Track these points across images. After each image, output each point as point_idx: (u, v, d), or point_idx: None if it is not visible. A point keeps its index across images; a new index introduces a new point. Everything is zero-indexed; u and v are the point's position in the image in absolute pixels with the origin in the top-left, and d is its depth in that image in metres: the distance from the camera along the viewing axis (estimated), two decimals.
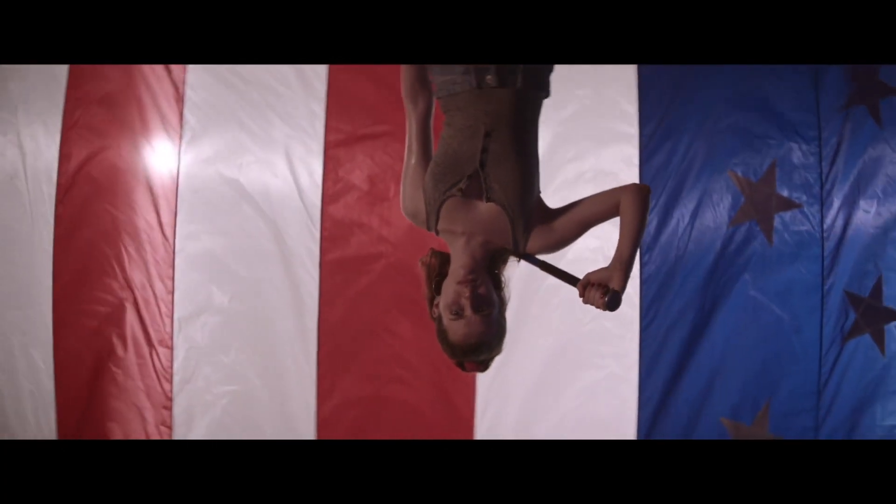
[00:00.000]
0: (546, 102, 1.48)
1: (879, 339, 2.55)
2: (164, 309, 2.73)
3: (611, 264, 1.28)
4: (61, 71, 3.00)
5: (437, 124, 1.49)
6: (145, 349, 2.72)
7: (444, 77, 1.34)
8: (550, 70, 1.42)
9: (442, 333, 1.35)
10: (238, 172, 2.71)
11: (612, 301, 1.26)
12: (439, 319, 1.38)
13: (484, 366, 1.38)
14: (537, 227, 1.39)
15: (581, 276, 1.32)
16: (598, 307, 1.28)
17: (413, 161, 1.38)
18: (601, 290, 1.26)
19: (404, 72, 1.41)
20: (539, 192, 1.39)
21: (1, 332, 3.02)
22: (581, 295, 1.29)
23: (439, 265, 1.36)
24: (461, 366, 1.38)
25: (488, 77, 1.30)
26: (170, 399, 2.68)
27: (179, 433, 2.70)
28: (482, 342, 1.33)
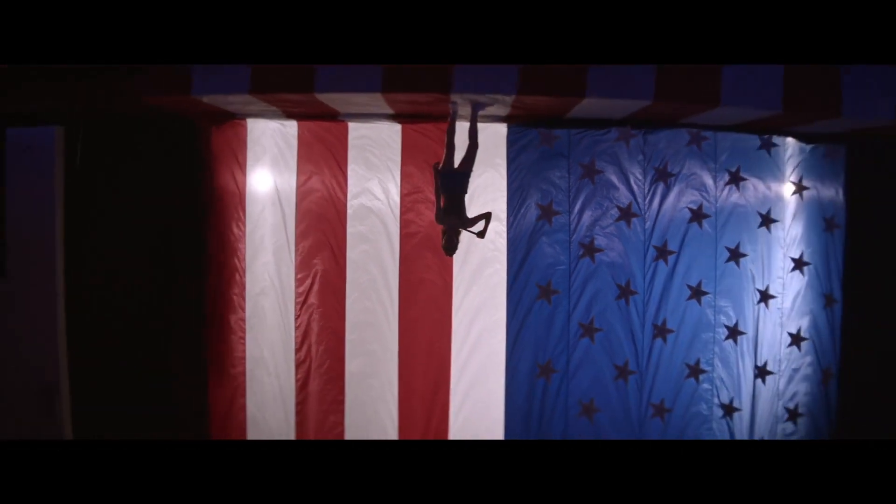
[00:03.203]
0: (476, 173, 5.53)
1: (593, 259, 6.43)
2: (341, 255, 6.34)
3: (482, 230, 5.37)
4: (292, 139, 6.24)
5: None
6: (336, 273, 6.38)
7: (445, 192, 5.31)
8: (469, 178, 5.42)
9: (443, 246, 5.32)
10: (371, 202, 6.34)
11: (482, 237, 5.39)
12: (443, 243, 5.33)
13: (450, 253, 5.35)
14: (468, 220, 5.32)
15: (476, 232, 5.40)
16: (480, 239, 5.41)
17: (439, 207, 5.34)
18: (481, 236, 5.36)
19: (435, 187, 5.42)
20: (466, 213, 5.37)
21: (261, 292, 6.39)
22: (478, 237, 5.39)
23: (443, 230, 5.30)
24: (446, 253, 5.39)
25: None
26: (345, 293, 6.43)
27: (354, 296, 6.31)
28: (451, 247, 5.31)
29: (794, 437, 6.74)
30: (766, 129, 6.43)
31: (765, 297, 6.61)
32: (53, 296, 6.17)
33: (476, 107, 5.65)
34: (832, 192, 6.72)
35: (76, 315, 6.26)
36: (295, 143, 6.38)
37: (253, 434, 6.56)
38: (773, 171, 6.60)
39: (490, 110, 5.90)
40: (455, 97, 5.55)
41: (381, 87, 5.33)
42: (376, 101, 5.73)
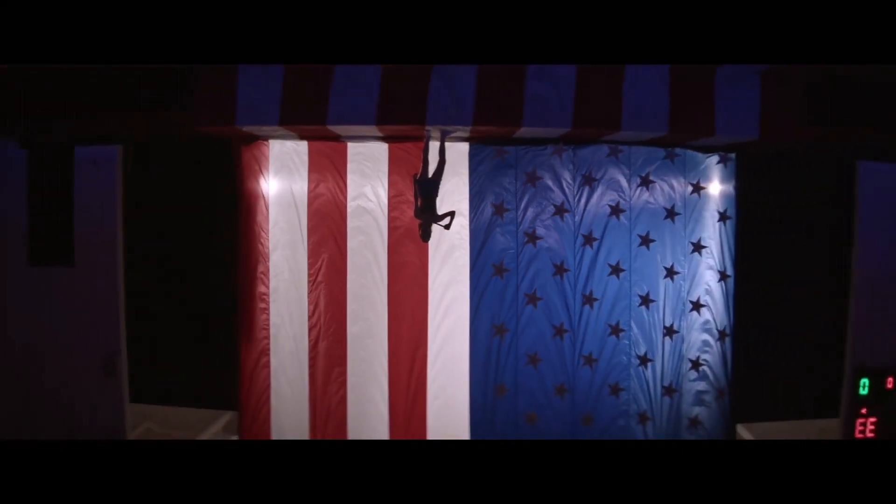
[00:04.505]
0: (445, 181, 7.15)
1: (535, 245, 8.29)
2: (343, 244, 7.49)
3: (449, 223, 7.07)
4: (304, 155, 7.51)
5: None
6: (339, 258, 7.62)
7: (421, 195, 7.09)
8: (440, 184, 7.16)
9: (421, 236, 6.98)
10: (365, 203, 7.46)
11: (448, 229, 7.16)
12: (420, 234, 6.98)
13: (426, 240, 7.04)
14: (438, 216, 7.01)
15: (445, 225, 7.13)
16: (447, 230, 7.14)
17: (417, 206, 7.02)
18: (447, 228, 7.08)
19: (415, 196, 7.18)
20: (437, 211, 7.08)
21: (281, 273, 7.59)
22: (445, 228, 7.11)
23: (420, 224, 6.98)
24: (423, 241, 7.09)
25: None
26: (347, 274, 7.68)
27: (353, 276, 7.52)
28: (426, 236, 6.88)
29: (696, 382, 8.39)
30: (668, 144, 7.60)
31: (670, 273, 7.85)
32: (114, 280, 6.93)
33: (444, 132, 6.94)
34: (725, 190, 7.78)
35: (133, 295, 7.06)
36: (306, 158, 7.59)
37: (275, 384, 8.07)
38: (676, 175, 7.82)
39: (455, 134, 7.16)
40: (428, 127, 6.80)
41: (375, 121, 6.75)
42: (371, 129, 6.97)
